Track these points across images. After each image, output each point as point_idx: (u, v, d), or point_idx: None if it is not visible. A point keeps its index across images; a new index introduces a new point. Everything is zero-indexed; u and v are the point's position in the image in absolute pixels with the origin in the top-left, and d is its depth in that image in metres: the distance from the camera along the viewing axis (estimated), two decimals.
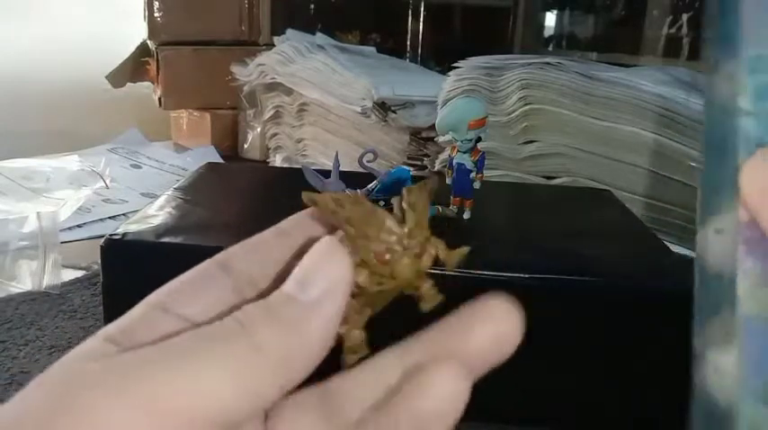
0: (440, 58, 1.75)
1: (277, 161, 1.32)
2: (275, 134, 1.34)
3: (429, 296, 0.20)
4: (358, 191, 0.62)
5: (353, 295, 0.20)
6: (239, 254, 0.21)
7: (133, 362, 0.17)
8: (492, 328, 0.19)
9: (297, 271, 0.19)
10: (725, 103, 0.19)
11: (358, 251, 0.19)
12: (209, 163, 0.87)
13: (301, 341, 0.18)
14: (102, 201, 1.09)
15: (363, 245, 0.19)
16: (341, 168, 0.66)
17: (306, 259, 0.19)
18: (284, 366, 0.17)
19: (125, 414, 0.16)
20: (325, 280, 0.18)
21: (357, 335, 0.20)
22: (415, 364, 0.19)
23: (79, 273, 0.83)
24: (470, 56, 1.04)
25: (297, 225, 0.22)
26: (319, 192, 0.21)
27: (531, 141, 0.96)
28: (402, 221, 0.20)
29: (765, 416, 0.18)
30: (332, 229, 0.21)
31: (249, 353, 0.17)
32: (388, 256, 0.19)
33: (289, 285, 0.19)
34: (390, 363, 0.20)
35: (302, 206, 0.21)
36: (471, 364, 0.19)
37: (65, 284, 0.80)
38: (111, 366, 0.17)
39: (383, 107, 1.09)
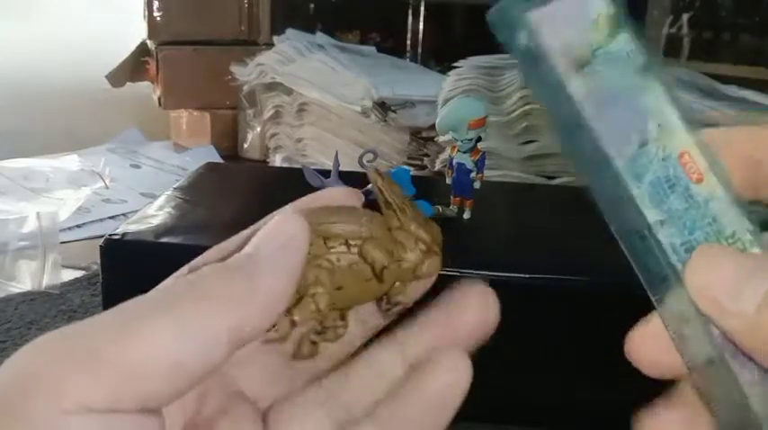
0: (440, 58, 1.74)
1: (277, 161, 1.32)
2: (275, 134, 1.34)
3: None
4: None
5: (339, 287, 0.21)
6: (211, 259, 0.21)
7: (87, 329, 0.17)
8: (477, 311, 0.21)
9: (255, 236, 0.20)
10: (635, 228, 0.19)
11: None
12: (209, 163, 0.86)
13: (252, 287, 0.18)
14: (102, 201, 1.09)
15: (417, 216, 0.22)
16: (341, 168, 0.66)
17: (264, 226, 0.20)
18: (233, 311, 0.18)
19: (83, 380, 0.16)
20: (279, 239, 0.19)
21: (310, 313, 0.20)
22: (416, 355, 0.20)
23: (79, 273, 0.83)
24: (470, 56, 1.04)
25: None
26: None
27: (531, 141, 0.96)
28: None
29: None
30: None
31: (194, 301, 0.17)
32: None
33: (246, 247, 0.19)
34: (390, 358, 0.21)
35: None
36: (464, 346, 0.21)
37: (64, 284, 0.80)
38: (67, 335, 0.17)
39: (383, 107, 1.09)
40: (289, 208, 0.22)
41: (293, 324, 0.20)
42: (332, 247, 0.21)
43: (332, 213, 0.22)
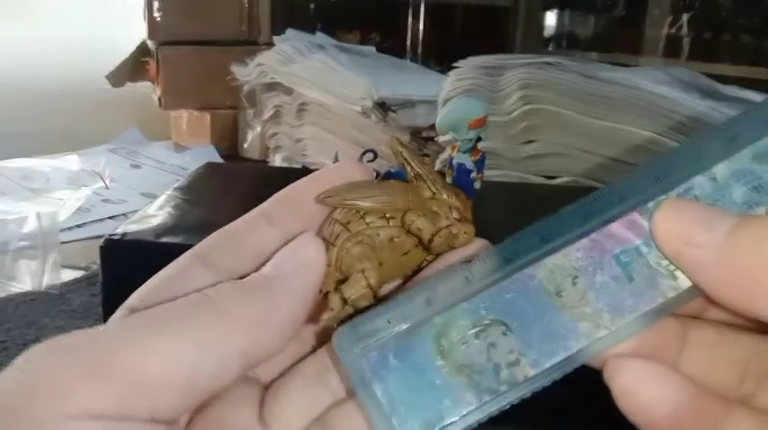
0: (440, 58, 1.74)
1: (277, 161, 1.32)
2: (275, 134, 1.34)
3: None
4: None
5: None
6: (219, 245, 0.21)
7: (101, 338, 0.17)
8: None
9: (274, 257, 0.20)
10: None
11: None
12: (209, 163, 0.86)
13: (269, 308, 0.18)
14: (102, 201, 1.09)
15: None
16: None
17: (283, 248, 0.20)
18: (250, 332, 0.18)
19: (94, 387, 0.16)
20: (298, 260, 0.19)
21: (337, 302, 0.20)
22: None
23: (79, 273, 0.83)
24: (470, 56, 1.04)
25: (280, 206, 0.22)
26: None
27: (531, 141, 0.96)
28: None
29: None
30: (314, 206, 0.21)
31: (213, 319, 0.17)
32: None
33: (264, 268, 0.19)
34: None
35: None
36: None
37: (64, 284, 0.80)
38: (79, 342, 0.17)
39: (383, 107, 1.09)
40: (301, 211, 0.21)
41: (345, 302, 0.19)
42: (370, 222, 0.20)
43: (363, 188, 0.21)
